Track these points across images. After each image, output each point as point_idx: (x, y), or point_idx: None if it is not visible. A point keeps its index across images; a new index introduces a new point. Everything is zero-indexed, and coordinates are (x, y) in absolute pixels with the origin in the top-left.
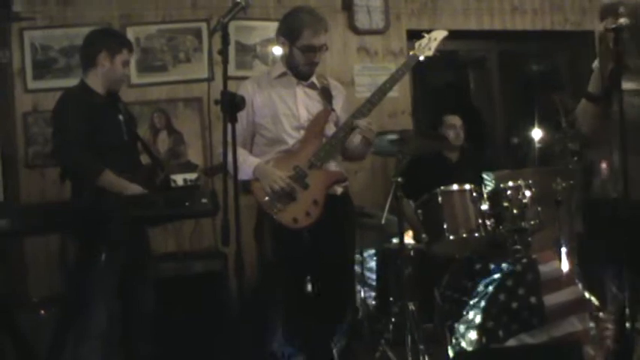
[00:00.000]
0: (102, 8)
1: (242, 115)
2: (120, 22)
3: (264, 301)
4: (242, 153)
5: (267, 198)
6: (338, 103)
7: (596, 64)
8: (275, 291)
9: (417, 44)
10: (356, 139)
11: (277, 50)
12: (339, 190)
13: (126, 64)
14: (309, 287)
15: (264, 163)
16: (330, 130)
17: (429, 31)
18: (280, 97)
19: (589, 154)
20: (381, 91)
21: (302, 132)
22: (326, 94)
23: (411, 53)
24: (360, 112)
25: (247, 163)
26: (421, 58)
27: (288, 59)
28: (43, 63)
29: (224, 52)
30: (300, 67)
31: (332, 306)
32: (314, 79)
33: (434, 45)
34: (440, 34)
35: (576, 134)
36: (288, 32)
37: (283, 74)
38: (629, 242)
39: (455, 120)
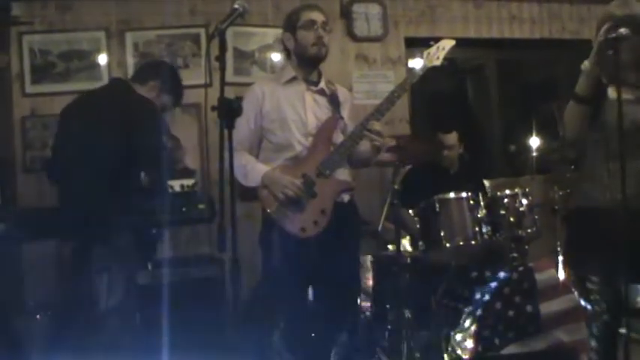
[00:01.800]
0: (101, 13)
1: (250, 119)
2: (119, 28)
3: (266, 309)
4: (249, 160)
5: (274, 206)
6: (345, 110)
7: (585, 65)
8: (278, 299)
9: (425, 53)
10: (364, 145)
11: (275, 57)
12: (345, 197)
13: (164, 108)
14: (312, 295)
15: (272, 170)
16: (338, 137)
17: (427, 39)
18: (289, 103)
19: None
20: (390, 101)
21: (310, 139)
22: (334, 101)
23: (410, 66)
24: (368, 120)
25: (255, 170)
26: (429, 66)
27: (296, 51)
28: (41, 67)
29: (221, 58)
30: (309, 50)
31: (335, 314)
32: (323, 84)
33: (442, 54)
34: (448, 44)
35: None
36: (289, 24)
37: (293, 79)
38: (617, 250)
39: (450, 139)
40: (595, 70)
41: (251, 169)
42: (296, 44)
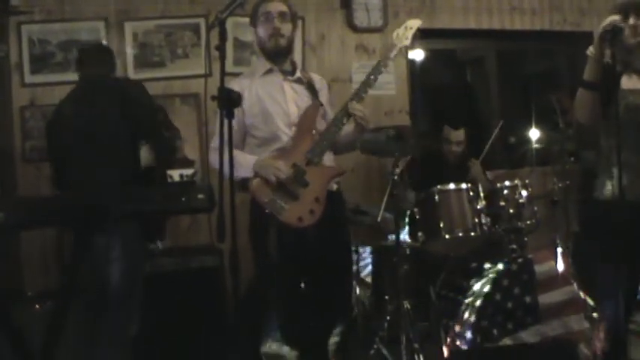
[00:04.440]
0: (100, 3)
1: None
2: (117, 18)
3: (262, 299)
4: (237, 152)
5: (269, 197)
6: (323, 97)
7: (591, 50)
8: (274, 289)
9: (394, 34)
10: (346, 130)
11: None
12: (334, 186)
13: None
14: (308, 285)
15: (262, 158)
16: (319, 124)
17: (427, 30)
18: (269, 95)
19: (587, 155)
20: (367, 84)
21: (293, 128)
22: (312, 89)
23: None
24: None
25: (245, 160)
26: (399, 46)
27: (258, 45)
28: (40, 57)
29: (221, 48)
30: (267, 43)
31: (332, 303)
32: (299, 73)
33: (410, 34)
34: (415, 23)
35: (573, 134)
36: (252, 18)
37: (269, 71)
38: (625, 243)
39: (457, 136)
40: (601, 56)
41: (241, 159)
42: (257, 38)
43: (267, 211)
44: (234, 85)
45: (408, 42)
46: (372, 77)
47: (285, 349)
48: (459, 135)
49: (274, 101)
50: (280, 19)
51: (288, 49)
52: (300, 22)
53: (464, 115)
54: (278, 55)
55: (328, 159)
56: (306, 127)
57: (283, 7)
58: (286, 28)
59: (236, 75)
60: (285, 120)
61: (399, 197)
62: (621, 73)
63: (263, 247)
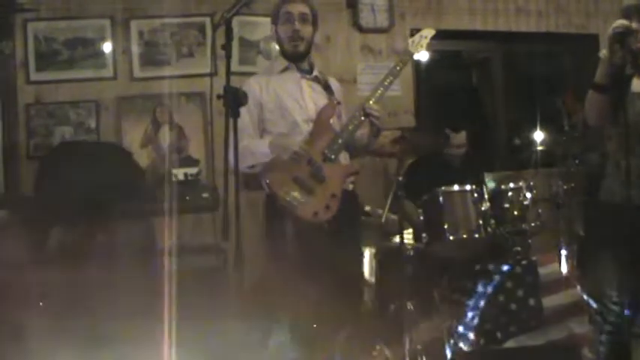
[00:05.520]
0: (106, 1)
1: (252, 113)
2: (123, 16)
3: (269, 297)
4: (250, 140)
5: (284, 190)
6: (338, 97)
7: (604, 53)
8: (285, 288)
9: (410, 41)
10: (361, 132)
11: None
12: (350, 186)
13: None
14: (317, 283)
15: (277, 137)
16: (335, 124)
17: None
18: (287, 92)
19: (592, 157)
20: (383, 86)
21: (310, 125)
22: (328, 88)
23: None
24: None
25: (260, 144)
26: (414, 54)
27: (278, 44)
28: (46, 55)
29: (227, 47)
30: (286, 46)
31: (340, 304)
32: (317, 72)
33: (425, 42)
34: (430, 32)
35: (578, 137)
36: (273, 17)
37: (286, 69)
38: (630, 246)
39: (459, 138)
40: (613, 59)
41: (256, 145)
42: (277, 37)
43: (282, 204)
44: (251, 82)
45: (423, 49)
46: (387, 81)
47: (291, 349)
48: (460, 138)
49: (292, 97)
50: (301, 21)
51: (307, 51)
52: None
53: (466, 117)
54: (297, 58)
55: (344, 158)
56: (323, 125)
57: (305, 9)
58: (307, 30)
59: (241, 74)
60: (302, 116)
61: (402, 199)
62: (631, 76)
63: (279, 243)
